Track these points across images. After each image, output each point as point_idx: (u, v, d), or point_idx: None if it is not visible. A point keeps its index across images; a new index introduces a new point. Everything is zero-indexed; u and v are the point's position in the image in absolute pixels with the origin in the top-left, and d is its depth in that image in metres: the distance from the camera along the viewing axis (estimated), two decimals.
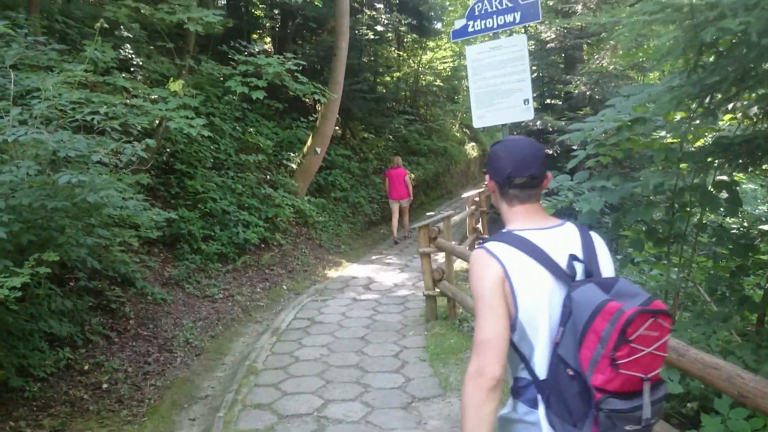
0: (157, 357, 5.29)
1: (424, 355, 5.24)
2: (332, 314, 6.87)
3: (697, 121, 2.98)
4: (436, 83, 21.78)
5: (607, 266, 1.66)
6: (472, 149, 26.95)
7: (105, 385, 4.54)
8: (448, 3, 20.21)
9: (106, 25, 4.42)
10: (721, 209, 4.09)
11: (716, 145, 3.53)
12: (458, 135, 25.26)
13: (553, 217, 1.74)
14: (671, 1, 1.91)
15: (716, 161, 3.59)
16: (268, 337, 6.08)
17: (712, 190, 4.01)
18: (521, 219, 1.70)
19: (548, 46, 12.70)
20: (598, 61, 11.49)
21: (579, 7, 11.94)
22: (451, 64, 22.67)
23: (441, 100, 22.62)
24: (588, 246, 1.65)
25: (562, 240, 1.65)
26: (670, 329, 1.46)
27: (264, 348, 5.68)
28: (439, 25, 20.03)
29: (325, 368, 5.06)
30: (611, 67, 11.28)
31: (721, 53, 2.49)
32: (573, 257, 1.60)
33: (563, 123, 11.15)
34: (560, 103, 13.17)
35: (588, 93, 11.68)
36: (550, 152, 12.45)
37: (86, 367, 4.72)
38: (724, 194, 4.02)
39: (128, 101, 5.78)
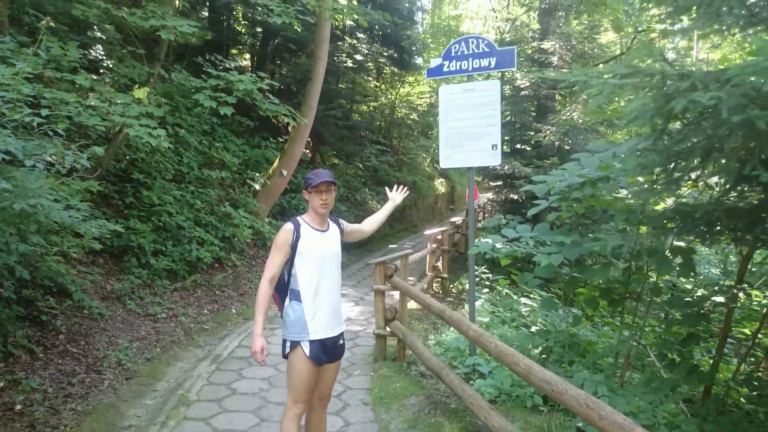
0: (83, 378, 4.93)
1: (368, 397, 5.01)
2: (280, 344, 6.57)
3: (659, 187, 2.93)
4: (412, 117, 21.95)
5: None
6: (440, 185, 27.12)
7: (18, 407, 4.17)
8: (430, 40, 20.46)
9: (52, 24, 4.19)
10: (675, 271, 4.08)
11: (676, 212, 3.50)
12: (428, 170, 25.41)
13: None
14: (643, 67, 1.85)
15: (675, 227, 3.56)
16: (207, 364, 5.77)
17: (668, 255, 3.98)
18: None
19: (522, 92, 12.89)
20: (569, 114, 11.70)
21: (555, 59, 12.19)
22: (428, 100, 22.92)
23: (415, 134, 22.79)
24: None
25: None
26: None
27: (201, 376, 5.37)
28: (419, 60, 20.29)
29: (262, 404, 4.79)
30: (581, 120, 11.50)
31: (689, 122, 2.45)
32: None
33: (531, 170, 11.26)
34: (529, 149, 13.32)
35: (557, 143, 11.84)
36: (515, 197, 12.52)
37: (1, 384, 4.35)
38: (680, 259, 4.00)
39: (84, 101, 5.53)
